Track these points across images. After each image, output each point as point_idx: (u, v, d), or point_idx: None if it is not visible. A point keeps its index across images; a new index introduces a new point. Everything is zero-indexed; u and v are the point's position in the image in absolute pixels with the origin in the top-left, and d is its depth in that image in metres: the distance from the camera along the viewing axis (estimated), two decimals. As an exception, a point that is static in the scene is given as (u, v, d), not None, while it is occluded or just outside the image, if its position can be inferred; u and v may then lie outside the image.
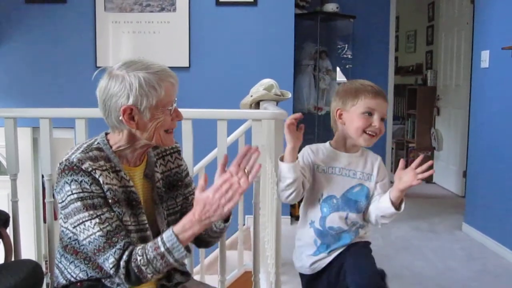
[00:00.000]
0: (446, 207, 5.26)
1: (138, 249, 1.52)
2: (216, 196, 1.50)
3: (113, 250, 1.51)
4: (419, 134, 6.69)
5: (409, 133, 7.16)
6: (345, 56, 5.51)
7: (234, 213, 3.55)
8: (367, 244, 1.96)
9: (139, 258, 1.50)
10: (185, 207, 1.82)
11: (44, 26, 4.46)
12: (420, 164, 1.74)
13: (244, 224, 3.86)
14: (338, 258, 1.90)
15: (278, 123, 2.26)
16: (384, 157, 5.59)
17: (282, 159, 1.79)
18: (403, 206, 1.80)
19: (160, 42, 4.45)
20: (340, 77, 5.51)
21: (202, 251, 3.18)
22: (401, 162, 1.76)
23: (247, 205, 3.15)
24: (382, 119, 1.84)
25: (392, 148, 6.66)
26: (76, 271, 1.64)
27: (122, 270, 1.50)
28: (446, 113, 6.14)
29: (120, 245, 1.52)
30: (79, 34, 4.46)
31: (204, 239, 1.82)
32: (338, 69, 5.49)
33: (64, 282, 1.68)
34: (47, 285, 2.34)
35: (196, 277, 3.15)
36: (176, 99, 1.63)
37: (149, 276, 1.52)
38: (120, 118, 1.55)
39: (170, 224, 1.73)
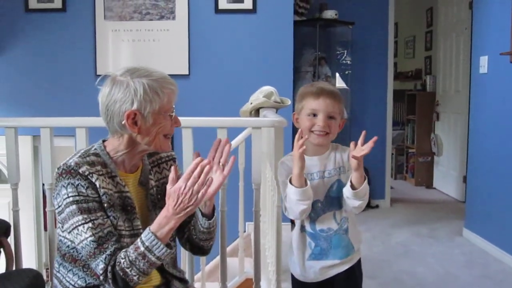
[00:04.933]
0: (447, 212, 5.27)
1: (122, 252, 1.54)
2: (188, 184, 1.52)
3: (103, 256, 1.53)
4: (419, 140, 6.70)
5: (409, 138, 7.17)
6: (344, 62, 5.52)
7: (234, 220, 3.54)
8: (359, 277, 2.01)
9: (122, 260, 1.52)
10: None
11: (44, 35, 4.47)
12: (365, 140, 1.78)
13: (244, 231, 3.87)
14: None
15: (277, 130, 2.27)
16: (384, 163, 5.61)
17: (291, 182, 1.81)
18: (363, 184, 1.81)
19: (159, 50, 4.46)
20: (339, 83, 5.52)
21: (203, 257, 3.18)
22: (352, 144, 1.78)
23: (247, 212, 3.16)
24: (331, 117, 1.87)
25: (392, 154, 6.67)
26: (74, 279, 1.65)
27: (109, 275, 1.52)
28: (445, 118, 6.15)
29: (110, 251, 1.53)
30: (79, 43, 4.47)
31: (196, 244, 1.83)
32: (337, 75, 5.50)
33: (62, 290, 1.68)
34: (48, 293, 2.35)
35: (197, 284, 3.15)
36: (174, 106, 1.67)
37: (135, 278, 1.52)
38: (123, 122, 1.58)
39: None
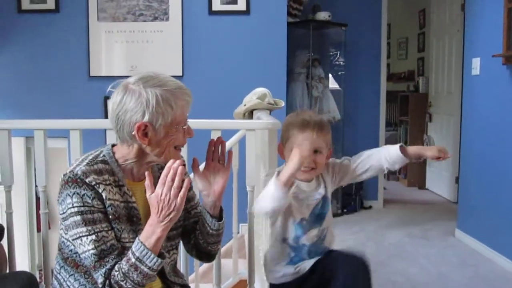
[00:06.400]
0: (439, 213, 5.29)
1: (116, 265, 1.51)
2: (164, 190, 1.47)
3: (103, 270, 1.50)
4: (411, 141, 6.73)
5: (402, 139, 7.19)
6: (337, 63, 5.54)
7: (228, 222, 3.53)
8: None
9: (116, 273, 1.49)
10: (188, 221, 1.81)
11: (37, 36, 4.46)
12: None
13: (238, 232, 3.87)
14: (319, 264, 1.91)
15: (271, 132, 2.28)
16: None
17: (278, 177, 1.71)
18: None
19: (153, 51, 4.46)
20: (332, 84, 5.54)
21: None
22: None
23: (241, 213, 3.16)
24: (317, 152, 1.83)
25: (385, 155, 6.69)
26: (75, 285, 1.63)
27: None
28: (438, 120, 6.18)
29: (111, 265, 1.51)
30: (72, 44, 4.46)
31: (204, 249, 1.80)
32: (330, 76, 5.52)
33: (63, 294, 1.67)
34: (42, 295, 2.34)
35: (192, 286, 3.15)
36: (188, 115, 1.62)
37: None
38: (133, 133, 1.53)
39: (170, 238, 1.73)
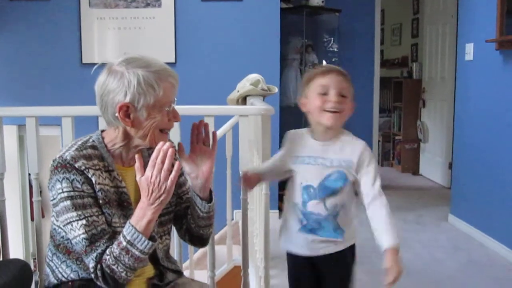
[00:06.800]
0: (432, 198, 5.31)
1: (107, 249, 1.51)
2: (154, 172, 1.46)
3: (94, 254, 1.50)
4: (405, 127, 6.74)
5: (395, 125, 7.21)
6: (331, 49, 5.53)
7: (222, 208, 3.54)
8: (349, 268, 2.03)
9: (107, 257, 1.49)
10: (179, 206, 1.81)
11: (28, 23, 4.43)
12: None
13: (232, 219, 3.88)
14: (323, 268, 1.94)
15: (265, 118, 2.27)
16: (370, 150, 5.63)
17: None
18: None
19: (145, 38, 4.43)
20: (326, 70, 5.53)
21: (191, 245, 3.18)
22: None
23: (235, 200, 3.16)
24: (342, 95, 1.81)
25: (379, 141, 6.71)
26: (67, 271, 1.63)
27: (99, 273, 1.50)
28: (431, 105, 6.19)
29: (102, 249, 1.51)
30: (64, 31, 4.43)
31: (196, 233, 1.79)
32: (324, 62, 5.51)
33: (55, 281, 1.66)
34: (36, 283, 2.34)
35: (186, 272, 3.16)
36: (175, 99, 1.61)
37: (122, 274, 1.49)
38: (116, 114, 1.52)
39: (162, 224, 1.73)
